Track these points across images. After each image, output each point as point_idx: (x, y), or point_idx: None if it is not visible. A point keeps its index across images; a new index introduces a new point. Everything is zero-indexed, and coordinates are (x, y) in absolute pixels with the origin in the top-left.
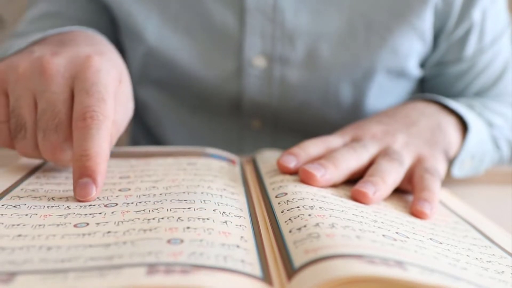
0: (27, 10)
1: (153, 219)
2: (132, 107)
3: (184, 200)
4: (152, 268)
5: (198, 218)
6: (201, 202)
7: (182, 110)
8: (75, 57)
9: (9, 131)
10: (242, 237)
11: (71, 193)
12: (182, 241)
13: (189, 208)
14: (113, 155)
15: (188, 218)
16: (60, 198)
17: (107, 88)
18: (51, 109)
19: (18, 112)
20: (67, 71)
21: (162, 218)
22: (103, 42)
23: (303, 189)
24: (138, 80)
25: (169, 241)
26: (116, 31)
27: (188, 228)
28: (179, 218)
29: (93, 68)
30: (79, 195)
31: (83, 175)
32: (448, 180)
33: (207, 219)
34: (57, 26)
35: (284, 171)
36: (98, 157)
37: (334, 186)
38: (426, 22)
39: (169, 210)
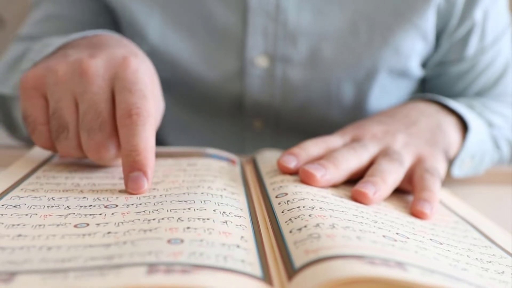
0: (31, 11)
1: (153, 219)
2: (163, 104)
3: (184, 201)
4: (152, 267)
5: (198, 218)
6: (201, 202)
7: (183, 110)
8: (112, 58)
9: (48, 133)
10: (242, 237)
11: (71, 193)
12: (182, 241)
13: (189, 209)
14: None
15: (188, 218)
16: (60, 198)
17: (147, 87)
18: (93, 109)
19: (59, 114)
20: (107, 72)
21: (162, 219)
22: (131, 44)
23: (304, 189)
24: None
25: (169, 241)
26: (118, 32)
27: (188, 228)
28: (179, 218)
29: (132, 68)
30: (131, 188)
31: (134, 169)
32: (448, 180)
33: (207, 219)
34: (60, 28)
35: (284, 171)
36: (146, 152)
37: (334, 186)
38: (429, 22)
39: (169, 210)
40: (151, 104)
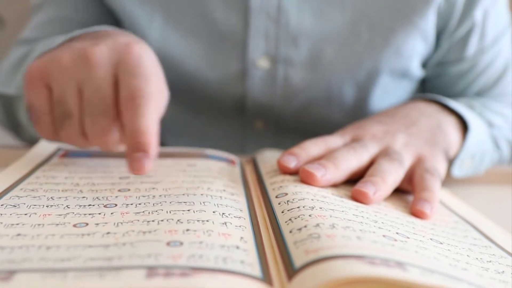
0: (32, 15)
1: (153, 221)
2: (167, 92)
3: (184, 202)
4: (151, 271)
5: (198, 220)
6: (200, 204)
7: (185, 111)
8: (115, 45)
9: (53, 123)
10: (241, 238)
11: (70, 193)
12: (181, 243)
13: (188, 210)
14: (113, 155)
15: (187, 220)
16: (60, 197)
17: (150, 71)
18: (98, 94)
19: (64, 101)
20: (110, 58)
21: (162, 220)
22: (133, 35)
23: (304, 189)
24: None
25: (168, 244)
26: None
27: (187, 230)
28: (178, 220)
29: (135, 53)
30: (134, 168)
31: (137, 149)
32: (448, 180)
33: (207, 221)
34: (63, 30)
35: (284, 171)
36: (149, 133)
37: (335, 186)
38: (429, 22)
39: (168, 212)
40: (153, 87)
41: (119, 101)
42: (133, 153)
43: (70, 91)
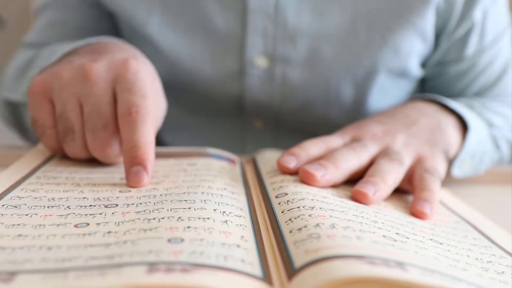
0: (37, 18)
1: (154, 219)
2: (165, 104)
3: (185, 200)
4: (152, 267)
5: (199, 218)
6: (201, 202)
7: (184, 110)
8: (113, 62)
9: (56, 136)
10: (242, 236)
11: (71, 193)
12: (182, 240)
13: (189, 208)
14: None
15: (188, 217)
16: (60, 198)
17: (146, 86)
18: (97, 110)
19: (65, 116)
20: (108, 74)
21: (163, 218)
22: (131, 48)
23: (304, 189)
24: None
25: (169, 240)
26: (118, 37)
27: (188, 227)
28: (179, 218)
29: (132, 69)
30: (132, 182)
31: (134, 163)
32: (448, 180)
33: (208, 218)
34: (63, 34)
35: (284, 171)
36: (146, 147)
37: (334, 186)
38: (428, 22)
39: (169, 210)
40: (150, 103)
41: (117, 117)
42: (131, 167)
43: (71, 106)
